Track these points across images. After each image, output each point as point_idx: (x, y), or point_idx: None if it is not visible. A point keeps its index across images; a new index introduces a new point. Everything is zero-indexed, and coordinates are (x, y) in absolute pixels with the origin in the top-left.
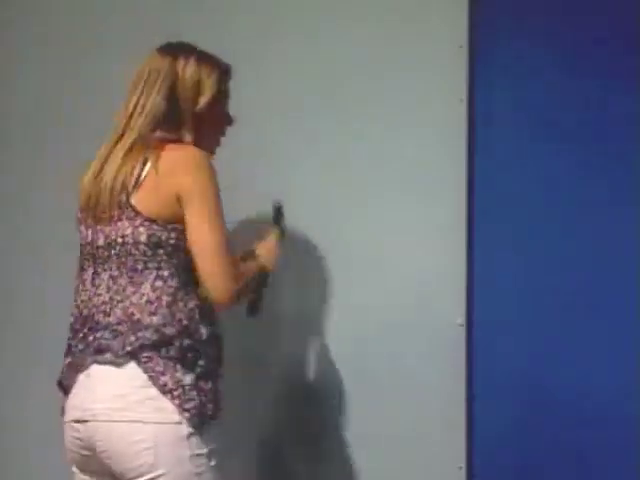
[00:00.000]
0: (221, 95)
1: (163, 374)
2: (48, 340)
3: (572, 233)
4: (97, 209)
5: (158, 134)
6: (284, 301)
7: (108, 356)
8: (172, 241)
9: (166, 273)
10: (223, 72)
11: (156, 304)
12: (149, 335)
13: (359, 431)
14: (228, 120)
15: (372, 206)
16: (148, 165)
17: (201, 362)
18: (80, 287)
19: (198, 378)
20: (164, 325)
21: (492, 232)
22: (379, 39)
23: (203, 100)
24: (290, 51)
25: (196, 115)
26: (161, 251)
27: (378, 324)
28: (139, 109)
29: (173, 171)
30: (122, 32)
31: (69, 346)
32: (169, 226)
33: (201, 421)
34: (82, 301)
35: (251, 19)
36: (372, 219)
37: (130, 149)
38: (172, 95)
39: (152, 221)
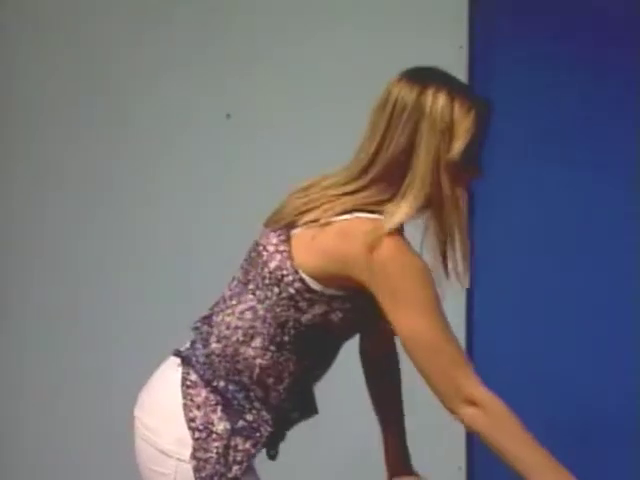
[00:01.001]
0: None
1: (199, 408)
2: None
3: (572, 233)
4: (279, 212)
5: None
6: None
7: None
8: (292, 290)
9: (261, 312)
10: (482, 111)
11: (228, 332)
12: (199, 353)
13: (359, 431)
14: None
15: None
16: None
17: (249, 417)
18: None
19: (235, 433)
20: (219, 356)
21: (492, 232)
22: (379, 39)
23: (457, 146)
24: (290, 51)
25: (437, 169)
26: (276, 290)
27: None
28: (386, 146)
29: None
30: (122, 31)
31: None
32: (299, 274)
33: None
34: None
35: (250, 19)
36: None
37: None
38: (414, 137)
39: (290, 257)
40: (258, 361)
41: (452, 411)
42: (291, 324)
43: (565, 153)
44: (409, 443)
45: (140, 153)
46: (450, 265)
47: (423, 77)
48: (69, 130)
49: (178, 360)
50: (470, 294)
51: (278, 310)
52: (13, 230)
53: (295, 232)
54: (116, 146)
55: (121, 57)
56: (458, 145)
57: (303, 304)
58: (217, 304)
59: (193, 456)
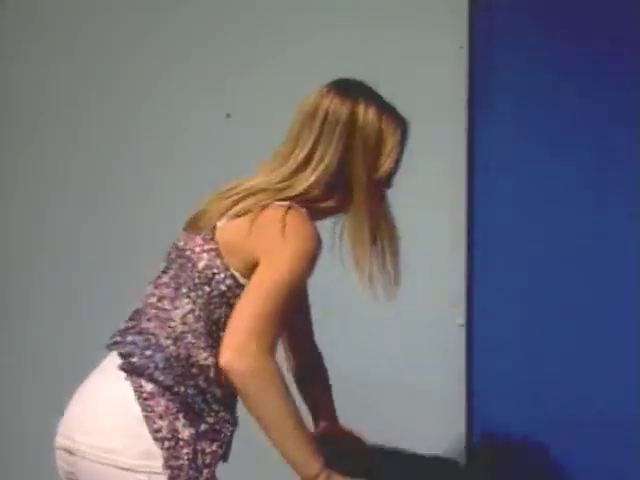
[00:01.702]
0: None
1: (161, 418)
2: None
3: (573, 233)
4: (200, 215)
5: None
6: None
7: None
8: (223, 287)
9: (198, 313)
10: (404, 131)
11: (177, 335)
12: (158, 359)
13: (359, 430)
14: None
15: None
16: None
17: (210, 419)
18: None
19: (200, 437)
20: (177, 359)
21: (492, 232)
22: (379, 39)
23: (387, 164)
24: (290, 51)
25: (372, 182)
26: (207, 289)
27: (378, 324)
28: (317, 159)
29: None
30: (122, 31)
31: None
32: (230, 271)
33: None
34: (145, 294)
35: (250, 19)
36: None
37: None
38: (346, 152)
39: (219, 255)
40: (210, 360)
41: (230, 348)
42: (223, 320)
43: (566, 153)
44: (409, 443)
45: (140, 153)
46: (377, 266)
47: (353, 91)
48: (69, 130)
49: (117, 374)
50: (470, 294)
51: (211, 308)
52: (13, 230)
53: (219, 225)
54: (116, 146)
55: (121, 57)
56: (387, 163)
57: (234, 300)
58: (136, 314)
59: (166, 466)
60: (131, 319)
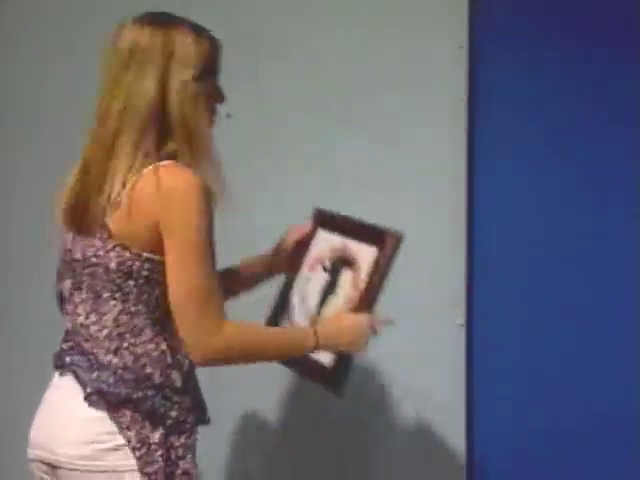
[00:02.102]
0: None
1: (129, 428)
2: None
3: (573, 233)
4: (81, 217)
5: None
6: None
7: (77, 384)
8: (145, 273)
9: (133, 309)
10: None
11: (117, 343)
12: (105, 377)
13: (359, 431)
14: (220, 97)
15: (371, 206)
16: (128, 186)
17: (173, 413)
18: (64, 295)
19: (168, 434)
20: (124, 368)
21: (492, 232)
22: (379, 39)
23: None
24: (290, 51)
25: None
26: (132, 282)
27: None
28: (133, 101)
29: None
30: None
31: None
32: (142, 256)
33: None
34: (67, 313)
35: (250, 18)
36: (371, 219)
37: (121, 156)
38: (164, 80)
39: (125, 247)
40: (163, 347)
41: None
42: (162, 299)
43: (566, 153)
44: (409, 443)
45: None
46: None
47: (163, 19)
48: (69, 130)
49: (74, 393)
50: (470, 294)
51: (145, 296)
52: (13, 230)
53: (108, 220)
54: None
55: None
56: (197, 69)
57: (162, 275)
58: (70, 334)
59: (142, 473)
60: (68, 340)
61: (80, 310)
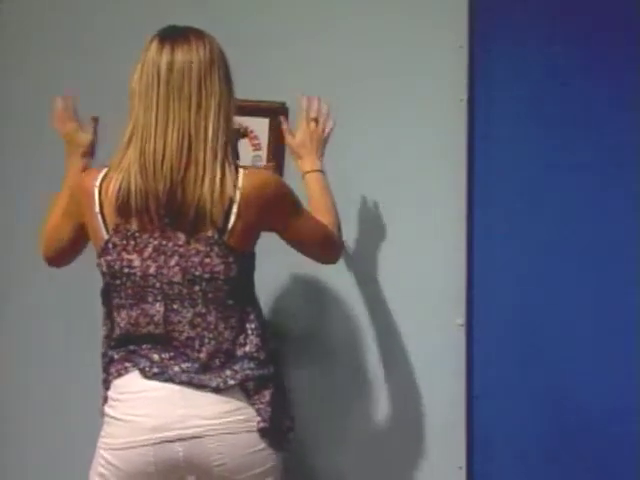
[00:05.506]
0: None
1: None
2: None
3: (573, 233)
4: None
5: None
6: (284, 302)
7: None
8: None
9: (248, 308)
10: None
11: (243, 335)
12: (246, 365)
13: (359, 431)
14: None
15: (371, 206)
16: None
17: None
18: (140, 318)
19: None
20: (257, 351)
21: (492, 232)
22: (379, 39)
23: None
24: (290, 51)
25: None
26: (237, 283)
27: (378, 324)
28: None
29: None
30: (122, 30)
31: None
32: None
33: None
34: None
35: (250, 18)
36: (371, 219)
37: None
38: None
39: (242, 254)
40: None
41: None
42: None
43: (566, 153)
44: (409, 443)
45: None
46: None
47: (193, 33)
48: None
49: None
50: (470, 294)
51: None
52: (13, 230)
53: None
54: (117, 146)
55: (121, 57)
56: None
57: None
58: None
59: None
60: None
61: (183, 327)
